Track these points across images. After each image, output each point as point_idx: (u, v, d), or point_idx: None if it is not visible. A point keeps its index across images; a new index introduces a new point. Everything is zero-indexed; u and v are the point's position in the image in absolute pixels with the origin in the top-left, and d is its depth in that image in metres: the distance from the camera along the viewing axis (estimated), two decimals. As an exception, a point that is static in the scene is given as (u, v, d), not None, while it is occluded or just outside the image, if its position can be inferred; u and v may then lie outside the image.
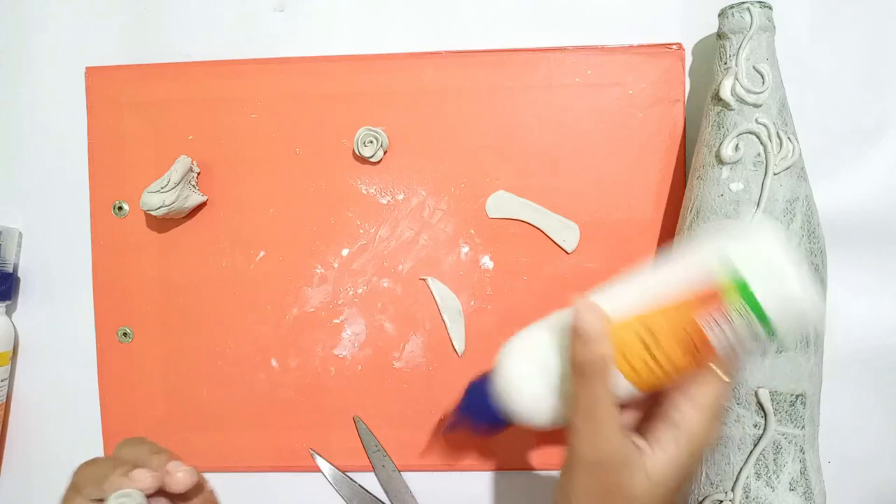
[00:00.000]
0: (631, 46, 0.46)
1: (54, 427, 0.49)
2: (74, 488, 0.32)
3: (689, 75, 0.47)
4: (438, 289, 0.43)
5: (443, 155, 0.47)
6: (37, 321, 0.50)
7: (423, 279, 0.42)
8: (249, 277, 0.47)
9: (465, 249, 0.47)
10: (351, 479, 0.47)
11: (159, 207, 0.44)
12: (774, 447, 0.39)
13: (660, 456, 0.31)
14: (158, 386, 0.48)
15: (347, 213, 0.47)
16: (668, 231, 0.46)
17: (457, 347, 0.42)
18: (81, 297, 0.49)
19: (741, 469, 0.39)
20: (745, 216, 0.38)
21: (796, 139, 0.39)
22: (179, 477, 0.31)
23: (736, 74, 0.39)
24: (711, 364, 0.31)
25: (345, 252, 0.48)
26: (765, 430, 0.38)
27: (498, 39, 0.47)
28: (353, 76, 0.47)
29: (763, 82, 0.39)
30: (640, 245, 0.46)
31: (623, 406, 0.32)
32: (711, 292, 0.29)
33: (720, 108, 0.40)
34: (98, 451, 0.49)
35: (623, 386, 0.31)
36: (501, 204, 0.47)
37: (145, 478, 0.30)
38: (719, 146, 0.39)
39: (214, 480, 0.35)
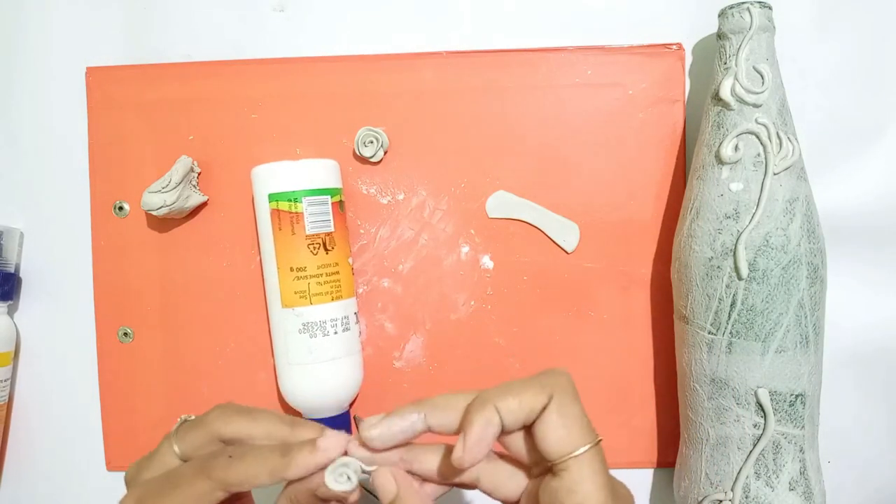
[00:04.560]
0: (631, 46, 0.46)
1: (55, 427, 0.49)
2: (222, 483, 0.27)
3: (689, 75, 0.47)
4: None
5: (443, 155, 0.47)
6: (38, 321, 0.50)
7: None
8: (249, 277, 0.47)
9: (465, 249, 0.47)
10: (351, 478, 0.47)
11: (160, 207, 0.44)
12: (774, 447, 0.39)
13: None
14: (158, 386, 0.48)
15: (348, 213, 0.47)
16: (668, 231, 0.46)
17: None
18: (82, 297, 0.49)
19: (741, 469, 0.39)
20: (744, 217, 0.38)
21: (796, 139, 0.39)
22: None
23: (736, 74, 0.39)
24: None
25: (345, 252, 0.48)
26: (764, 429, 0.38)
27: (498, 39, 0.47)
28: (353, 76, 0.47)
29: (763, 82, 0.39)
30: (640, 245, 0.46)
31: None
32: None
33: (720, 108, 0.40)
34: (98, 451, 0.49)
35: None
36: (501, 204, 0.47)
37: (340, 443, 0.28)
38: (719, 146, 0.40)
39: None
